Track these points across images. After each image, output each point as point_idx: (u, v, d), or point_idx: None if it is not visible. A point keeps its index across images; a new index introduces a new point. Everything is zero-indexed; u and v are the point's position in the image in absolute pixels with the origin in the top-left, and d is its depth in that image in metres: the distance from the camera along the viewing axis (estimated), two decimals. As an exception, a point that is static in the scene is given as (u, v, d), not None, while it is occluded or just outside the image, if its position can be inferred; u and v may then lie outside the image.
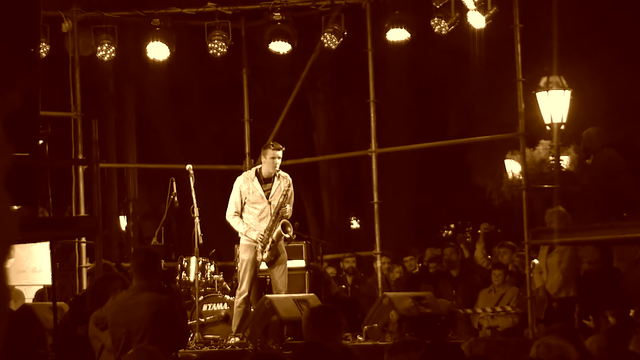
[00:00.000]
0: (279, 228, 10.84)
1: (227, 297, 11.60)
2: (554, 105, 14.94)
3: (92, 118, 11.15)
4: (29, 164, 8.02)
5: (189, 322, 10.34)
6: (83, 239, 12.84)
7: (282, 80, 18.20)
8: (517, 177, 19.74)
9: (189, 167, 11.33)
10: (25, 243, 11.09)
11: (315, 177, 22.29)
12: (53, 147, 11.97)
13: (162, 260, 10.55)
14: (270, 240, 10.84)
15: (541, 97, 15.09)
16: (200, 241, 11.12)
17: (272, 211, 10.90)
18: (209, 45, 13.48)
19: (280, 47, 13.61)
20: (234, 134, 16.21)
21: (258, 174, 11.05)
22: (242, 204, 11.01)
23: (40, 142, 9.30)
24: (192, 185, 11.19)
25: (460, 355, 5.84)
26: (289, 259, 11.35)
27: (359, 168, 21.08)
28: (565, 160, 17.63)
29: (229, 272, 12.63)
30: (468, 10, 12.20)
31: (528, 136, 12.73)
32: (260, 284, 11.75)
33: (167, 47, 13.47)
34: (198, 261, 11.46)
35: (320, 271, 12.99)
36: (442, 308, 11.43)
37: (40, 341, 9.11)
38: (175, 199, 11.64)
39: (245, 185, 11.01)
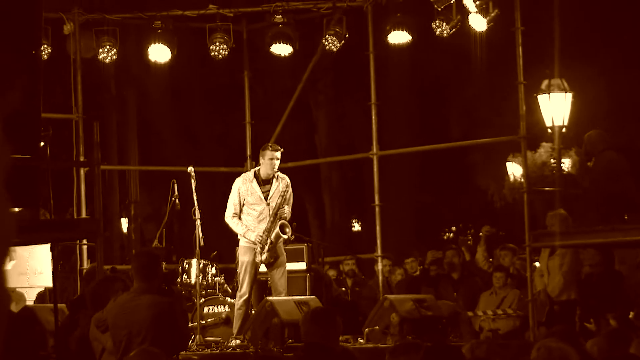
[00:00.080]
0: (277, 229, 10.83)
1: (228, 299, 11.59)
2: (556, 107, 14.95)
3: (93, 120, 11.18)
4: (30, 166, 8.01)
5: (189, 325, 10.32)
6: (84, 241, 12.83)
7: (284, 83, 18.21)
8: (519, 179, 19.78)
9: (190, 169, 11.32)
10: (26, 245, 11.08)
11: (316, 179, 22.27)
12: (54, 149, 11.94)
13: (164, 263, 10.55)
14: (269, 241, 10.83)
15: (543, 99, 15.10)
16: (202, 243, 11.11)
17: (271, 212, 10.90)
18: (211, 47, 13.49)
19: (282, 49, 13.60)
20: (236, 136, 16.19)
21: (257, 175, 11.03)
22: (241, 206, 10.99)
23: (42, 144, 9.29)
24: (193, 188, 11.18)
25: (460, 358, 5.84)
26: (290, 262, 11.35)
27: (361, 170, 21.06)
28: (566, 163, 17.66)
29: (230, 275, 12.61)
30: (469, 12, 12.19)
31: (529, 139, 12.71)
32: (261, 286, 11.75)
33: (168, 49, 13.47)
34: (199, 263, 11.44)
35: (321, 273, 12.99)
36: (445, 309, 11.41)
37: (42, 343, 9.11)
38: (177, 201, 11.63)
39: (244, 186, 11.00)
